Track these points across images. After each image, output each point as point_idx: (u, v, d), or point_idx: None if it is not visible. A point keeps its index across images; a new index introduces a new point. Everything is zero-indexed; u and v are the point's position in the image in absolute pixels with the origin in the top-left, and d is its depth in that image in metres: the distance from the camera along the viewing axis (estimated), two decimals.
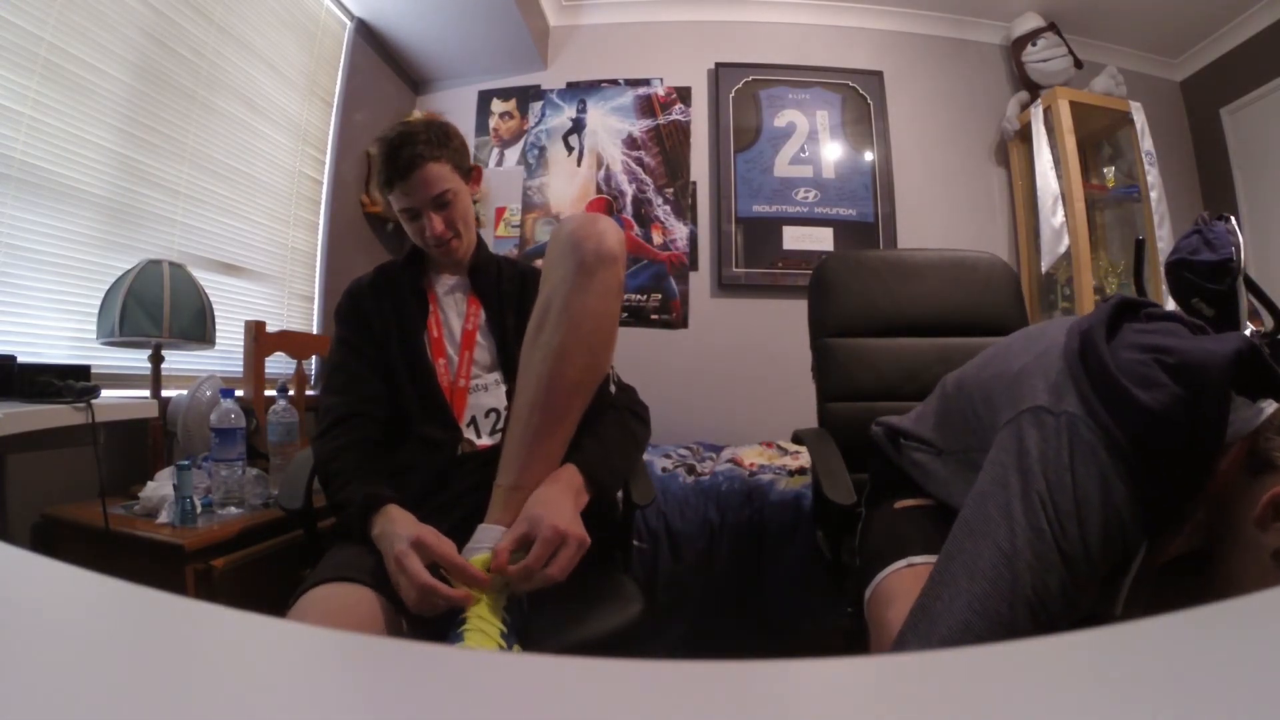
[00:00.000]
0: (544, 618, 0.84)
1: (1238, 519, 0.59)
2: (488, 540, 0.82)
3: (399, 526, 0.83)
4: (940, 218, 2.83)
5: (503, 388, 1.07)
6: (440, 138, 1.07)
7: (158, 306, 1.38)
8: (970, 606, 0.61)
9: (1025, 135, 2.78)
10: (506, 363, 1.08)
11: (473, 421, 1.05)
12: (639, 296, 2.79)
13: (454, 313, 1.12)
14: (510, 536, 0.79)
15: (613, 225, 0.89)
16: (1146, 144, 2.66)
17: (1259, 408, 0.61)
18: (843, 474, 1.12)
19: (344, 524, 0.90)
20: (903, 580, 0.80)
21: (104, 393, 1.29)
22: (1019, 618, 0.59)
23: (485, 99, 2.97)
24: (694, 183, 2.85)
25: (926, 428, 0.95)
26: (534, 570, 0.77)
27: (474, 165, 1.16)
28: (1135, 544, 0.62)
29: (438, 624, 0.78)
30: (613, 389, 1.00)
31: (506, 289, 1.13)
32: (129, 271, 1.40)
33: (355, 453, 0.97)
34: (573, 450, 0.89)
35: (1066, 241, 2.57)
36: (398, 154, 1.04)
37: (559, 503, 0.82)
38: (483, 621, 0.75)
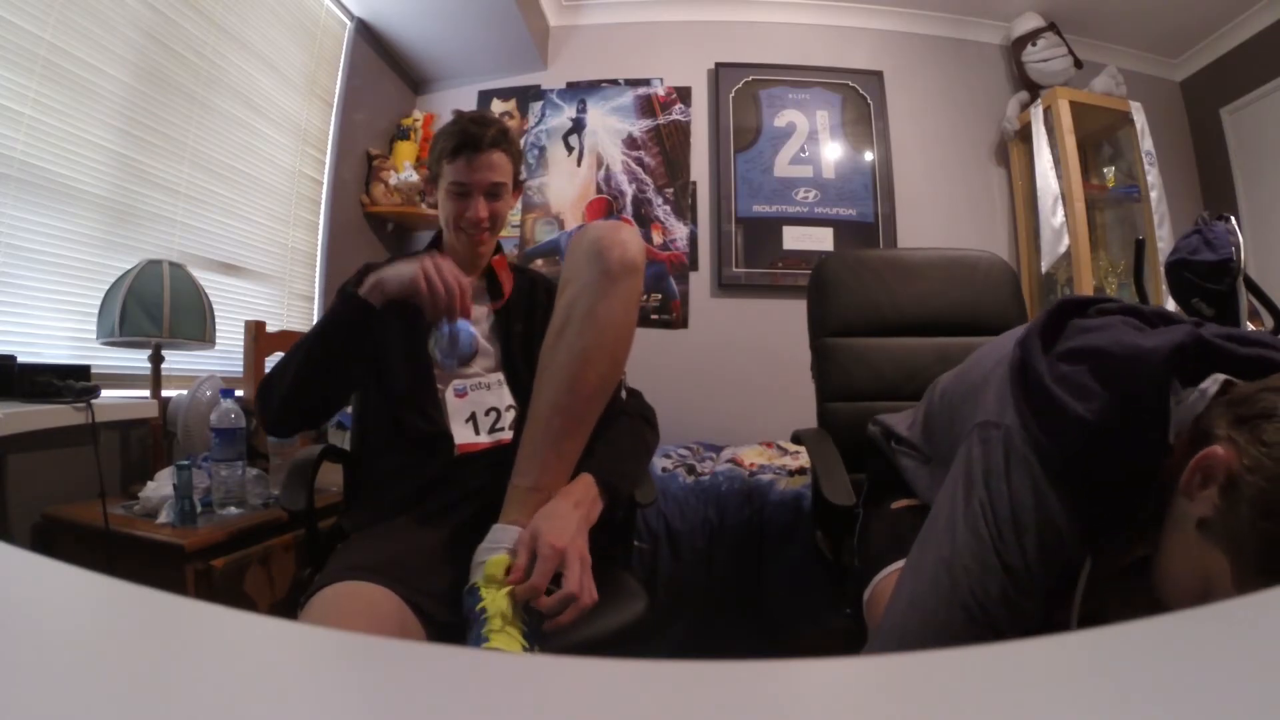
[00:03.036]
0: (549, 614, 0.84)
1: (1173, 497, 0.57)
2: (506, 540, 0.82)
3: (403, 260, 0.96)
4: (940, 218, 2.83)
5: (505, 388, 1.08)
6: (512, 138, 1.11)
7: (158, 306, 1.38)
8: (908, 610, 0.63)
9: (1025, 135, 2.78)
10: (510, 365, 1.09)
11: (471, 418, 1.05)
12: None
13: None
14: (519, 561, 0.79)
15: (635, 235, 0.91)
16: (1146, 144, 2.66)
17: (1201, 389, 0.57)
18: (841, 474, 1.12)
19: (335, 317, 0.98)
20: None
21: (104, 393, 1.29)
22: (954, 620, 0.60)
23: (485, 99, 2.97)
24: (694, 183, 2.85)
25: (915, 433, 0.96)
26: (539, 589, 0.76)
27: (523, 181, 1.18)
28: (1078, 555, 0.60)
29: (456, 625, 0.78)
30: (623, 394, 1.01)
31: (515, 295, 1.14)
32: (129, 271, 1.40)
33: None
34: (588, 456, 0.90)
35: (1066, 241, 2.57)
36: (478, 130, 1.06)
37: (565, 518, 0.82)
38: (505, 622, 0.75)
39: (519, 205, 2.87)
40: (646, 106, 2.89)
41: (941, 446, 0.86)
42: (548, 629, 0.77)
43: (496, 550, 0.81)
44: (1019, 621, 0.59)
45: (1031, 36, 2.77)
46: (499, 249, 1.18)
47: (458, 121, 1.09)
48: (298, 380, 0.97)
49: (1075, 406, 0.58)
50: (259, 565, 1.23)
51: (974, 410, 0.70)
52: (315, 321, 1.10)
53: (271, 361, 1.77)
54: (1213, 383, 0.56)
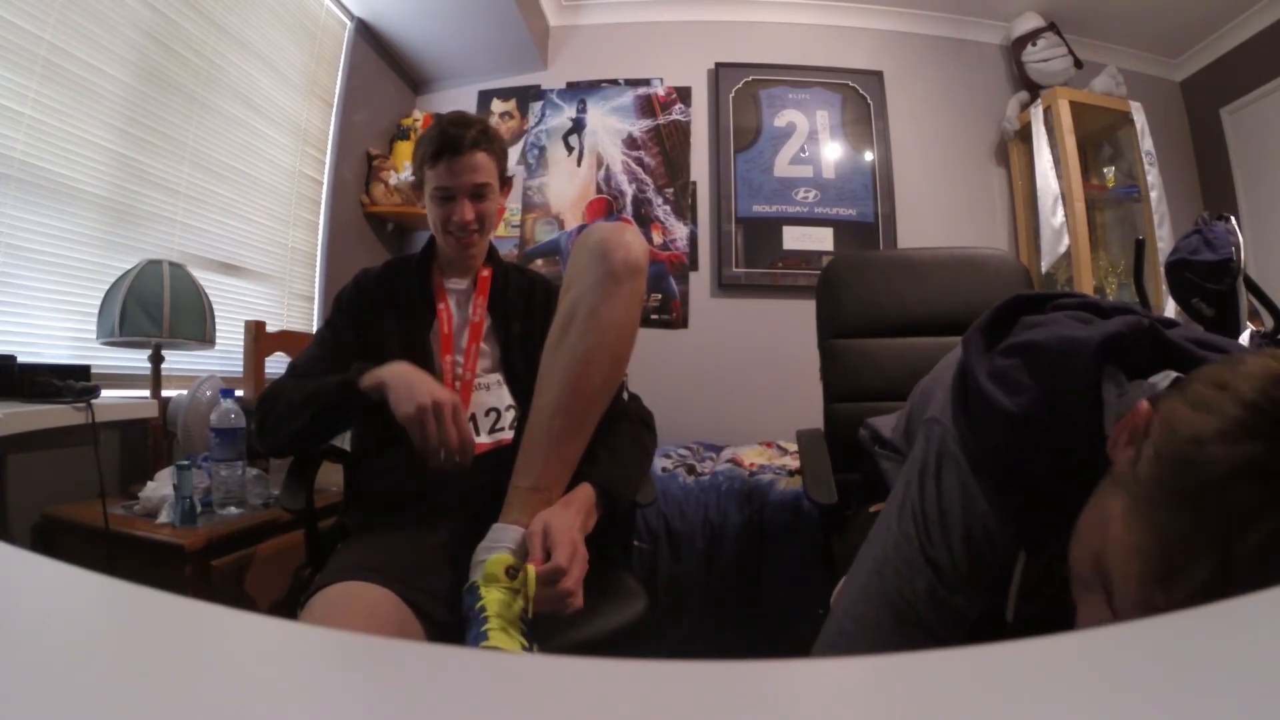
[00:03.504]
0: (550, 614, 0.84)
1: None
2: (506, 540, 0.82)
3: (415, 376, 0.90)
4: (940, 218, 2.83)
5: (504, 389, 1.08)
6: (495, 137, 1.10)
7: (158, 306, 1.38)
8: (845, 611, 0.63)
9: (1025, 135, 2.78)
10: (509, 366, 1.09)
11: (472, 419, 1.05)
12: None
13: (462, 312, 1.12)
14: (534, 549, 0.79)
15: (639, 236, 0.91)
16: (1146, 144, 2.66)
17: (1151, 383, 0.53)
18: (826, 473, 1.13)
19: (328, 399, 0.94)
20: None
21: (104, 393, 1.29)
22: (884, 619, 0.60)
23: (485, 99, 2.97)
24: (694, 183, 2.85)
25: (898, 435, 0.96)
26: (563, 568, 0.77)
27: (510, 177, 1.17)
28: (1009, 552, 0.59)
29: (456, 626, 0.79)
30: (625, 396, 1.01)
31: (513, 295, 1.13)
32: (129, 271, 1.40)
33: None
34: (588, 463, 0.90)
35: (1066, 241, 2.57)
36: (457, 133, 1.05)
37: (566, 520, 0.82)
38: (504, 622, 0.75)
39: (520, 205, 2.87)
40: (646, 106, 2.89)
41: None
42: (540, 609, 0.78)
43: (497, 549, 0.81)
44: (948, 619, 0.59)
45: (1031, 36, 2.77)
46: (493, 251, 1.18)
47: (437, 124, 1.07)
48: (289, 433, 0.98)
49: (1002, 401, 0.57)
50: (259, 565, 1.23)
51: (927, 408, 0.70)
52: (308, 360, 1.06)
53: (272, 362, 1.77)
54: (1164, 378, 0.53)
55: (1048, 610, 0.58)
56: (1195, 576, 0.39)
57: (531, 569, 0.76)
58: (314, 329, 2.35)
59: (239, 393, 1.58)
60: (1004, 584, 0.59)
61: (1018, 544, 0.58)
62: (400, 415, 0.86)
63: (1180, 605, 0.38)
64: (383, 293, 1.10)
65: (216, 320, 1.54)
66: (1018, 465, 0.57)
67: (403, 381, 0.89)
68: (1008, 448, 0.57)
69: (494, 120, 2.94)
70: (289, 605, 0.86)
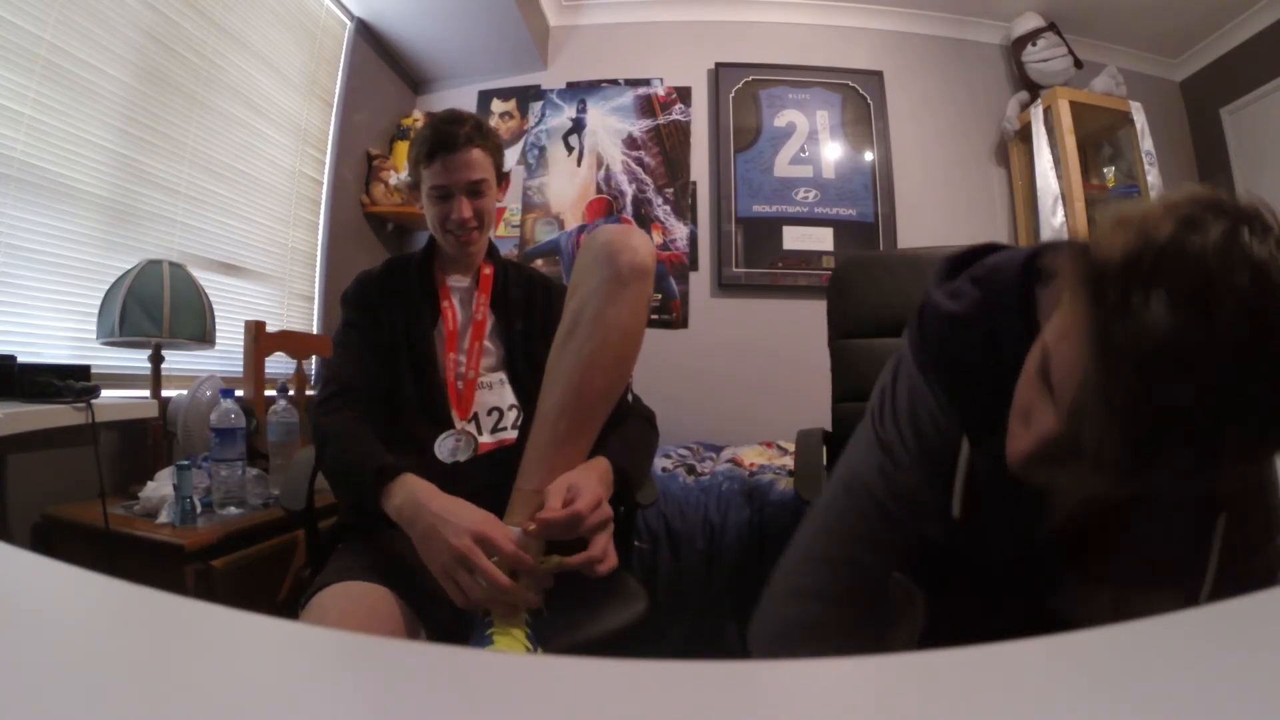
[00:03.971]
0: (551, 614, 0.84)
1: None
2: None
3: (435, 504, 0.80)
4: (940, 218, 2.83)
5: (507, 388, 1.08)
6: (489, 133, 1.09)
7: (158, 306, 1.38)
8: (814, 504, 0.71)
9: (1025, 135, 2.78)
10: (512, 364, 1.09)
11: (474, 417, 1.05)
12: None
13: (465, 311, 1.12)
14: (552, 501, 0.79)
15: (645, 239, 0.91)
16: (1146, 144, 2.66)
17: None
18: (815, 470, 1.13)
19: (352, 494, 0.88)
20: None
21: (104, 393, 1.29)
22: (837, 494, 0.68)
23: (485, 99, 2.97)
24: (694, 183, 2.85)
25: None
26: (583, 514, 0.78)
27: (507, 173, 1.16)
28: (952, 437, 0.61)
29: (457, 626, 0.78)
30: (630, 398, 1.01)
31: (514, 293, 1.13)
32: (129, 271, 1.40)
33: (361, 423, 0.95)
34: (600, 449, 0.91)
35: None
36: (450, 131, 1.04)
37: (591, 480, 0.83)
38: (508, 624, 0.75)
39: (520, 205, 2.87)
40: (646, 106, 2.89)
41: None
42: (572, 565, 0.78)
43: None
44: (900, 497, 0.62)
45: (1031, 36, 2.77)
46: (493, 249, 1.17)
47: (430, 123, 1.07)
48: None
49: (948, 305, 0.62)
50: (259, 565, 1.23)
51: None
52: (346, 373, 1.02)
53: (272, 362, 1.77)
54: None
55: (992, 510, 0.60)
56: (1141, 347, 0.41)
57: (556, 558, 0.78)
58: (314, 329, 2.35)
59: (239, 393, 1.58)
60: (951, 479, 0.62)
61: (961, 432, 0.61)
62: (431, 571, 0.80)
63: (1125, 403, 0.40)
64: (386, 290, 1.10)
65: (216, 320, 1.54)
66: (960, 360, 0.61)
67: (422, 531, 0.79)
68: (950, 344, 0.62)
69: (494, 120, 2.94)
70: (289, 605, 0.86)
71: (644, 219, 2.82)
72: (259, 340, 1.72)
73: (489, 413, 1.05)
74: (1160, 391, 0.40)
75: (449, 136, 1.04)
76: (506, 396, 1.07)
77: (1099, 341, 0.43)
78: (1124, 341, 0.41)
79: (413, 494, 0.82)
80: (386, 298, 1.09)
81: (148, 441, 1.50)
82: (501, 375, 1.08)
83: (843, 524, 0.66)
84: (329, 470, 0.95)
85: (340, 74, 2.50)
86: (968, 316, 0.60)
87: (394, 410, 1.04)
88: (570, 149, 2.89)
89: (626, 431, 0.97)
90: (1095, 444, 0.43)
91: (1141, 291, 0.41)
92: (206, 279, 1.59)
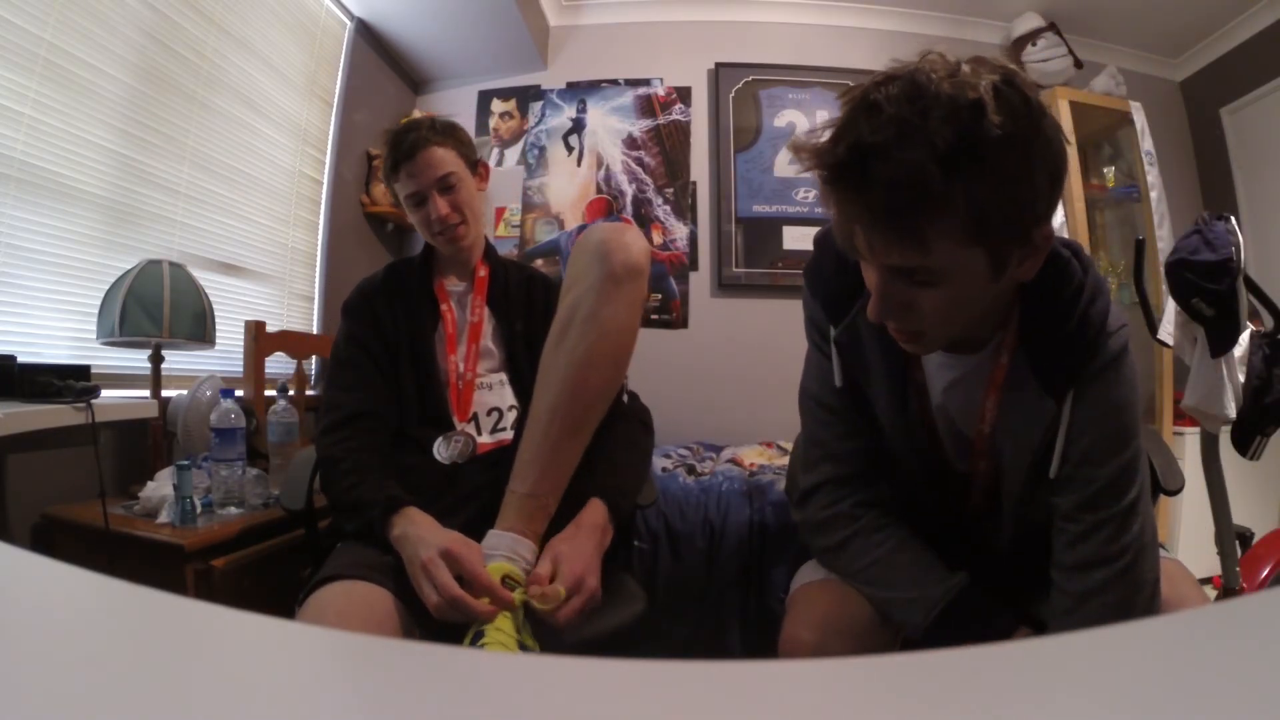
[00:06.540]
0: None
1: None
2: (501, 547, 0.82)
3: (424, 531, 0.82)
4: None
5: (507, 388, 1.07)
6: (445, 128, 1.09)
7: (158, 306, 1.38)
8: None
9: None
10: (513, 365, 1.08)
11: (474, 418, 1.05)
12: None
13: (463, 313, 1.12)
14: (543, 571, 0.81)
15: (640, 237, 0.90)
16: (1146, 144, 2.66)
17: None
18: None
19: (359, 524, 0.89)
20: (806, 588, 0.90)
21: (104, 393, 1.29)
22: (799, 400, 0.90)
23: (485, 99, 2.97)
24: (694, 183, 2.85)
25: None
26: (561, 620, 0.79)
27: (481, 162, 1.16)
28: (826, 324, 0.84)
29: (453, 625, 0.79)
30: (625, 397, 1.01)
31: (514, 293, 1.13)
32: (129, 271, 1.40)
33: (367, 454, 0.95)
34: (591, 473, 0.90)
35: None
36: (404, 138, 1.05)
37: (584, 549, 0.83)
38: (500, 633, 0.75)
39: (520, 205, 2.87)
40: (646, 106, 2.89)
41: None
42: (537, 611, 0.79)
43: (494, 557, 0.81)
44: (821, 384, 0.85)
45: (1031, 36, 2.77)
46: (490, 250, 1.17)
47: (387, 139, 1.09)
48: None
49: (815, 238, 0.85)
50: (259, 565, 1.23)
51: None
52: (349, 397, 1.02)
53: (272, 362, 1.77)
54: None
55: (861, 371, 0.81)
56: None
57: (520, 595, 0.79)
58: (314, 329, 2.34)
59: (239, 393, 1.58)
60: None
61: (830, 322, 0.83)
62: (429, 606, 0.80)
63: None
64: (388, 297, 1.10)
65: (216, 320, 1.54)
66: (821, 267, 0.83)
67: (408, 554, 0.82)
68: (812, 263, 0.86)
69: (494, 120, 2.95)
70: (289, 605, 0.86)
71: (644, 219, 2.82)
72: (259, 340, 1.72)
73: (489, 413, 1.05)
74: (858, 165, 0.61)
75: (404, 144, 1.05)
76: (506, 397, 1.07)
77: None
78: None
79: (411, 522, 0.85)
80: (388, 305, 1.09)
81: (148, 441, 1.50)
82: (502, 376, 1.08)
83: (810, 419, 0.88)
84: (335, 502, 0.95)
85: (340, 74, 2.50)
86: (821, 240, 0.83)
87: (398, 418, 1.04)
88: (570, 149, 2.89)
89: (614, 448, 0.95)
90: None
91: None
92: (206, 279, 1.59)
